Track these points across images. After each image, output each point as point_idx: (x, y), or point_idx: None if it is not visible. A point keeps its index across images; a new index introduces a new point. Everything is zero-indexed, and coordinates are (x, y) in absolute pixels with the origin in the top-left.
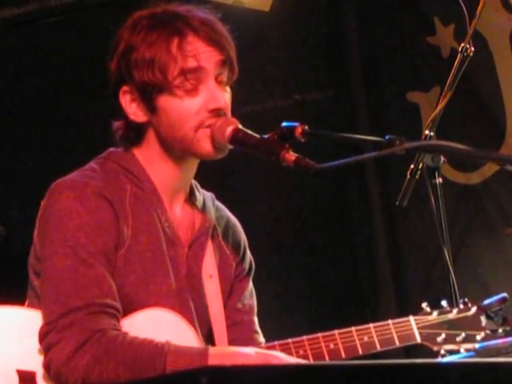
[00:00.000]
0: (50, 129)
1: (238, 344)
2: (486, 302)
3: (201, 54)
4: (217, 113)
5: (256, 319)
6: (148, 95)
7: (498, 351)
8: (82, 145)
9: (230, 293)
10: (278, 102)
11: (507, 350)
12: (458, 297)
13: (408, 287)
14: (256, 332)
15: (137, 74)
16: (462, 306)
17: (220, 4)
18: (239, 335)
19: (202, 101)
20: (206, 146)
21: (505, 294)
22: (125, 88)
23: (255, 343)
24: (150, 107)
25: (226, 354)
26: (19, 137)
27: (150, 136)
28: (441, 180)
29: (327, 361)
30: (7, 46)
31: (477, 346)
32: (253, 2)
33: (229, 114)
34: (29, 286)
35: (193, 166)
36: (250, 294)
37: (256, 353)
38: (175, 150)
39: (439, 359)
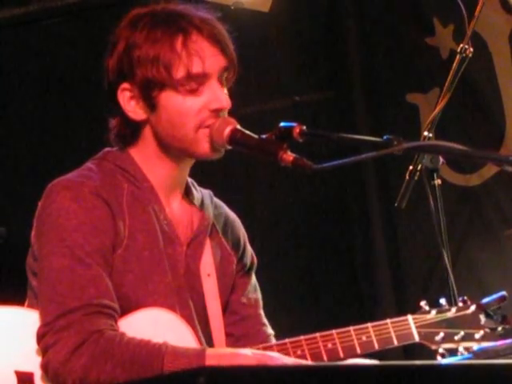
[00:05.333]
0: (51, 129)
1: (248, 337)
2: (485, 300)
3: (206, 56)
4: (218, 113)
5: (262, 312)
6: (149, 92)
7: (496, 353)
8: (83, 144)
9: (233, 288)
10: (277, 103)
11: (505, 352)
12: (456, 296)
13: (407, 287)
14: (264, 324)
15: (139, 71)
16: (460, 305)
17: (220, 4)
18: (248, 329)
19: (204, 100)
20: (204, 147)
21: (504, 292)
22: (124, 85)
23: (264, 335)
24: (151, 105)
25: (223, 354)
26: (19, 137)
27: (147, 134)
28: (440, 181)
29: (325, 361)
30: (8, 46)
31: (475, 348)
32: (252, 2)
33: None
34: (28, 287)
35: (189, 164)
36: (253, 288)
37: (253, 354)
38: (172, 148)
39: (438, 358)
